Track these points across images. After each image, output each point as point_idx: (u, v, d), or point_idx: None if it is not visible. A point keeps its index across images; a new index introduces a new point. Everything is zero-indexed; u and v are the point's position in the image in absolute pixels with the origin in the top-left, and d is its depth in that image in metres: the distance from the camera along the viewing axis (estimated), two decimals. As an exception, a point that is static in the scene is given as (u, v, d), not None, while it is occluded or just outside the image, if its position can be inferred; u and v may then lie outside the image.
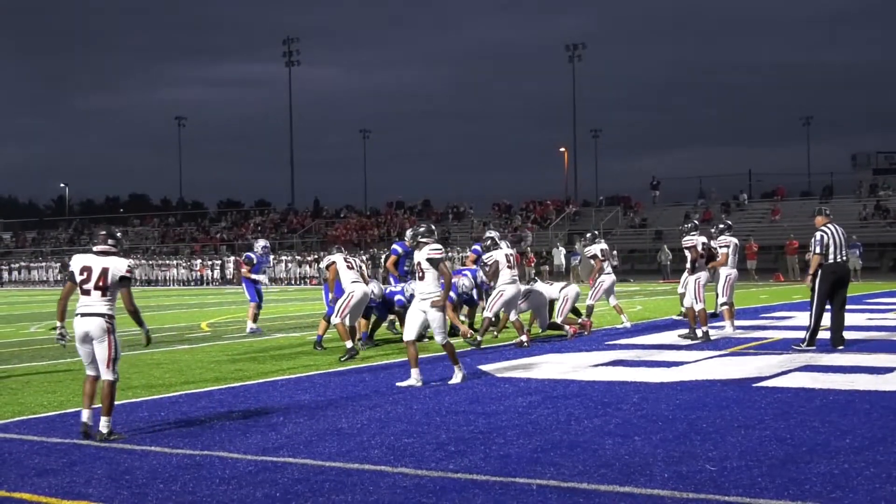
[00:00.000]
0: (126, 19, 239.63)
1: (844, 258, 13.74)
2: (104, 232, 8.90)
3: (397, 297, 15.77)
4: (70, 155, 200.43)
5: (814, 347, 13.40)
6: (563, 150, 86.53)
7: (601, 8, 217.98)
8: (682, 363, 12.60)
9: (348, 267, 14.63)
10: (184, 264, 60.50)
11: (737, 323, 18.27)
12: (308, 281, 55.27)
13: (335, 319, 14.21)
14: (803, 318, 13.63)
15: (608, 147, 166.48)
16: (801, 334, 13.63)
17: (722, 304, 17.12)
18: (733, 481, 6.39)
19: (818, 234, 13.75)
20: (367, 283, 15.10)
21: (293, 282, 55.66)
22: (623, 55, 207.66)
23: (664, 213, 63.22)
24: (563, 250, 50.02)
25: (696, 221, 17.20)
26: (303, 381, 11.81)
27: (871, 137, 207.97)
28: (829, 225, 13.76)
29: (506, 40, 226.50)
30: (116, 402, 8.82)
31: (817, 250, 13.66)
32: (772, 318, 19.09)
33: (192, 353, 14.76)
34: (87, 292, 8.51)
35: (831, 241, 13.57)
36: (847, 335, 15.64)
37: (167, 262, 62.08)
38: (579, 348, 14.77)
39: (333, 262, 14.76)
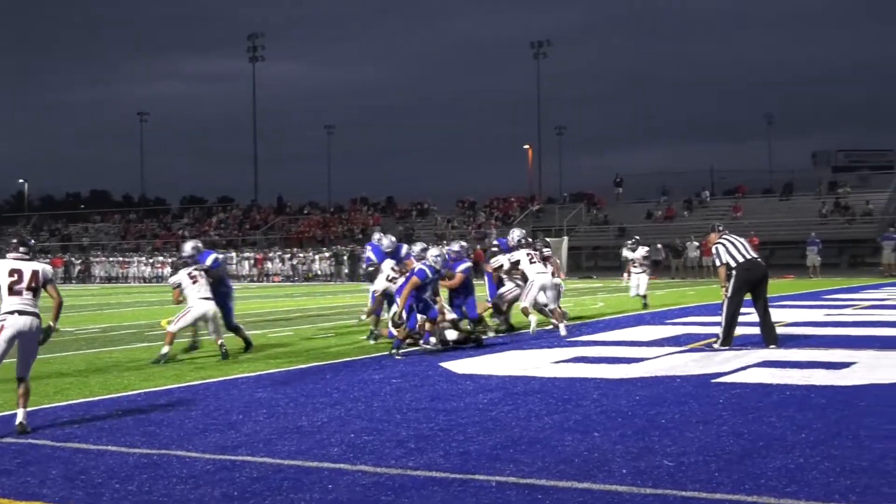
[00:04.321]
0: (88, 13, 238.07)
1: (755, 256, 13.85)
2: (16, 240, 9.30)
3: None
4: (30, 150, 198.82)
5: (727, 347, 13.46)
6: (527, 147, 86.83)
7: (567, 5, 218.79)
8: (642, 359, 12.66)
9: (194, 282, 14.27)
10: (145, 261, 60.12)
11: (697, 319, 18.43)
12: (271, 278, 55.07)
13: (171, 327, 14.08)
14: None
15: (573, 144, 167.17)
16: (745, 330, 13.76)
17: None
18: (691, 476, 6.43)
19: (714, 248, 14.01)
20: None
21: (256, 279, 55.42)
22: (588, 53, 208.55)
23: (627, 210, 63.52)
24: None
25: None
26: (263, 379, 11.76)
27: (831, 136, 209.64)
28: (724, 237, 14.01)
29: (471, 37, 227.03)
30: (75, 401, 8.84)
31: (719, 263, 13.87)
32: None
33: (152, 352, 14.65)
34: (18, 293, 8.85)
35: (732, 247, 13.74)
36: (804, 331, 15.82)
37: (128, 259, 61.70)
38: (541, 345, 14.81)
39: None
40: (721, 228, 14.46)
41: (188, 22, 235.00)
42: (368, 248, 17.92)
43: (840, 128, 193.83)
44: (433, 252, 14.68)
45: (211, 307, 14.08)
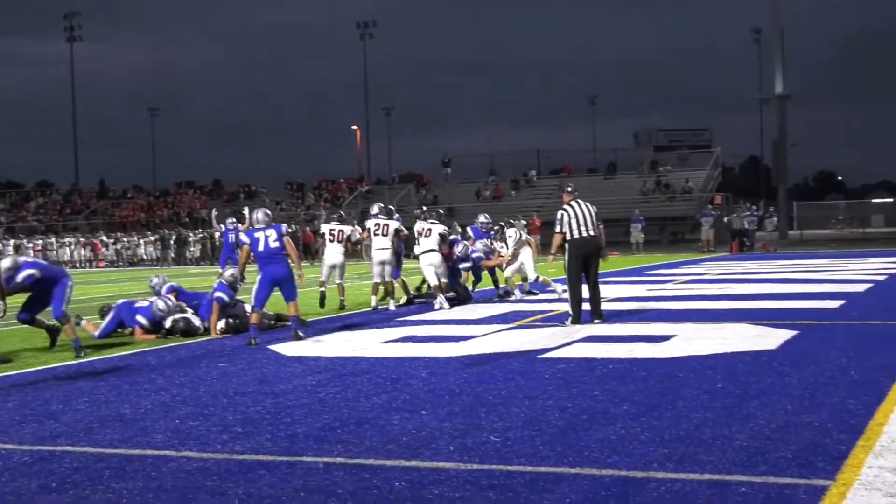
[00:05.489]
0: None
1: (591, 233, 13.85)
2: None
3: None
4: None
5: (579, 323, 13.72)
6: (355, 128, 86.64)
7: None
8: (470, 337, 12.80)
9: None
10: (-42, 249, 57.70)
11: (524, 296, 18.75)
12: (94, 263, 53.60)
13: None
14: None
15: (402, 126, 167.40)
16: (585, 306, 14.01)
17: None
18: (516, 451, 6.53)
19: (559, 213, 14.05)
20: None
21: (78, 265, 53.82)
22: (416, 34, 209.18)
23: (456, 191, 64.06)
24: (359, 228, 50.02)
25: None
26: (84, 368, 11.44)
27: (652, 116, 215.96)
28: (573, 202, 14.00)
29: (299, 19, 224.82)
30: None
31: (557, 229, 13.99)
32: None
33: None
34: None
35: (573, 219, 13.80)
36: (627, 306, 16.27)
37: (-59, 246, 59.09)
38: (371, 325, 14.83)
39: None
40: (571, 190, 14.38)
41: (3, 3, 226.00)
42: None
43: (661, 109, 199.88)
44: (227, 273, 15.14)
45: None
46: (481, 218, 19.99)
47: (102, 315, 15.06)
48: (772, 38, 60.49)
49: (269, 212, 14.32)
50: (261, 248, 13.50)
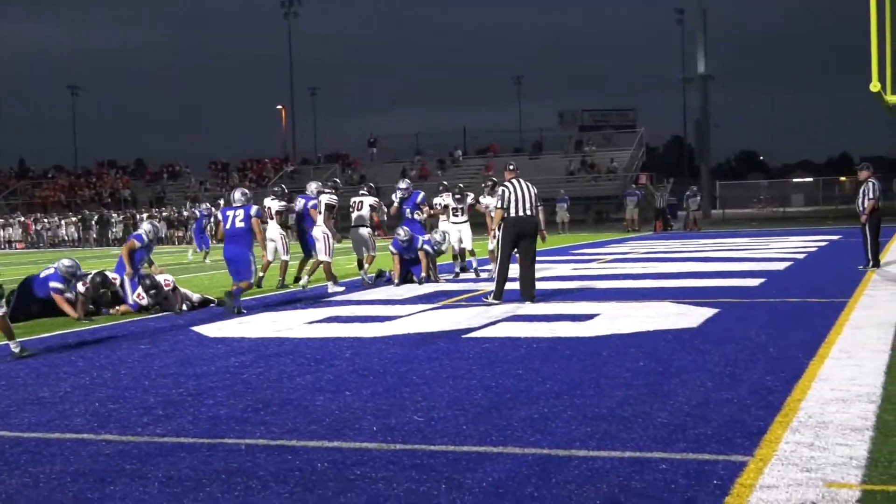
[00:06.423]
0: None
1: (528, 213, 13.88)
2: None
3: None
4: None
5: (499, 301, 13.77)
6: (280, 107, 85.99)
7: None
8: (395, 317, 12.78)
9: None
10: None
11: (450, 276, 18.74)
12: (13, 245, 52.67)
13: None
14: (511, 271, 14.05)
15: (327, 105, 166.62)
16: (511, 286, 14.07)
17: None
18: (440, 431, 6.53)
19: (500, 189, 14.16)
20: None
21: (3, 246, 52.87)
22: (341, 13, 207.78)
23: (382, 170, 63.91)
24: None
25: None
26: (2, 350, 11.22)
27: (577, 96, 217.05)
28: (514, 180, 14.06)
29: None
30: None
31: (498, 205, 14.07)
32: (483, 270, 19.57)
33: None
34: None
35: (513, 196, 13.86)
36: (552, 285, 16.35)
37: None
38: (295, 306, 14.76)
39: None
40: (513, 168, 14.39)
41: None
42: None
43: (585, 89, 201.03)
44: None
45: None
46: (401, 184, 19.37)
47: (9, 302, 14.73)
48: (695, 19, 61.13)
49: (247, 192, 14.75)
50: (228, 225, 14.09)
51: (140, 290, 14.51)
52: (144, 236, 14.81)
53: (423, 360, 9.36)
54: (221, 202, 30.16)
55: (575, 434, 6.30)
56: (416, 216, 18.60)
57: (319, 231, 16.77)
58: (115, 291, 14.69)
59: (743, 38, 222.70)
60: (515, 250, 13.84)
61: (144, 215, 43.29)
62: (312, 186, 18.45)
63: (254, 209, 14.00)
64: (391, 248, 17.89)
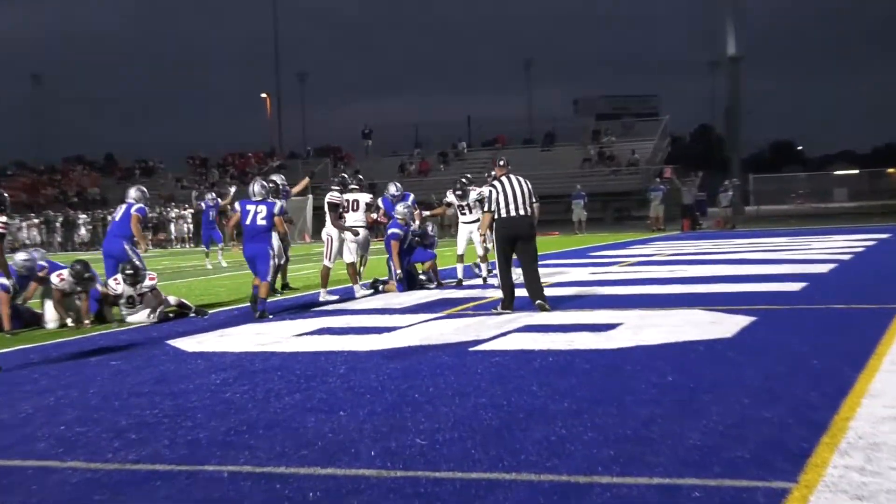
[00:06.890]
0: None
1: (520, 212, 13.75)
2: None
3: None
4: None
5: (509, 310, 13.76)
6: (264, 95, 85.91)
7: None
8: (394, 328, 12.76)
9: None
10: None
11: (454, 282, 18.71)
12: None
13: None
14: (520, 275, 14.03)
15: (316, 93, 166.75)
16: (522, 293, 14.04)
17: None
18: (445, 455, 6.50)
19: (487, 189, 14.14)
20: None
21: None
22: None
23: (378, 164, 63.94)
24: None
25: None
26: (-43, 367, 11.21)
27: (594, 81, 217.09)
28: (504, 177, 14.00)
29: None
30: None
31: (485, 208, 14.02)
32: (492, 276, 19.53)
33: None
34: None
35: (501, 196, 13.75)
36: (568, 291, 16.32)
37: None
38: (283, 317, 14.73)
39: None
40: (503, 164, 14.36)
41: None
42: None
43: (603, 74, 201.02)
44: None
45: None
46: (391, 189, 19.48)
47: None
48: (723, -6, 60.98)
49: (265, 184, 15.00)
50: (248, 221, 14.38)
51: (119, 275, 14.55)
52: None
53: (425, 376, 9.33)
54: (215, 197, 30.45)
55: (596, 458, 6.26)
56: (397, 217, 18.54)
57: (325, 234, 17.18)
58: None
59: (777, 15, 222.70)
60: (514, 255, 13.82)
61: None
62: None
63: (277, 207, 14.41)
64: (389, 234, 17.86)
